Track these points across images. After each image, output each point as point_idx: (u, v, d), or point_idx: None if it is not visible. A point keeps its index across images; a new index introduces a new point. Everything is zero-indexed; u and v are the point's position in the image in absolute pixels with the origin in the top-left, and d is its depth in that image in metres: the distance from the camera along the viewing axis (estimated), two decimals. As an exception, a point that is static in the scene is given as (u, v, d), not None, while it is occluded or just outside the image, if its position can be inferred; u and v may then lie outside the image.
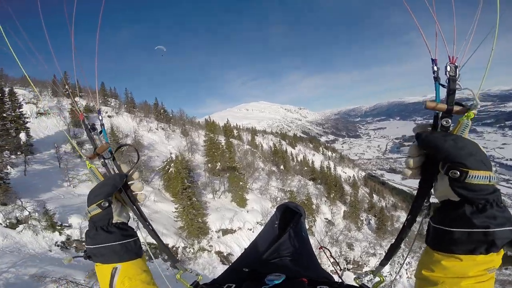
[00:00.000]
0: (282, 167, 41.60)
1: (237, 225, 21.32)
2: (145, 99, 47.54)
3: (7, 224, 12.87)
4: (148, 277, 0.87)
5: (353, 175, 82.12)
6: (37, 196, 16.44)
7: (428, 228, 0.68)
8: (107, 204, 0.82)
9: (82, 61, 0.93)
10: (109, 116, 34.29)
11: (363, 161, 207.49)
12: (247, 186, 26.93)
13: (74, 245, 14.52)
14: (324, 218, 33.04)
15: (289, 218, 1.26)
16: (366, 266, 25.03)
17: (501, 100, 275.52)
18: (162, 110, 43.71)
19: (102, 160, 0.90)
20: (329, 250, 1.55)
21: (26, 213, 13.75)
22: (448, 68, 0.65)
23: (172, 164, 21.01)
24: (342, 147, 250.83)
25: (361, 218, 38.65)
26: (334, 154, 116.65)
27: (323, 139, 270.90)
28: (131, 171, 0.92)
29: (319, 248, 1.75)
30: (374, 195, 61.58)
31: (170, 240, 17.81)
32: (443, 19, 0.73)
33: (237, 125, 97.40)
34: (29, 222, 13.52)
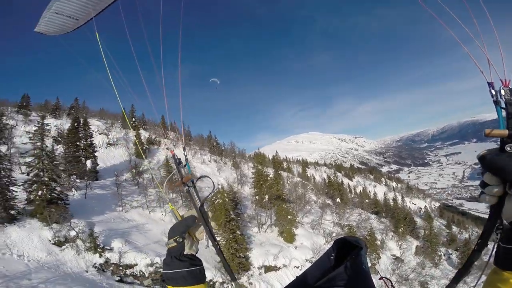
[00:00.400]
0: (338, 200, 36.59)
1: (282, 262, 19.20)
2: (201, 133, 50.87)
3: (55, 241, 13.51)
4: None
5: (425, 206, 73.56)
6: (90, 218, 17.27)
7: (497, 249, 0.68)
8: (181, 240, 1.03)
9: (145, 95, 1.26)
10: (167, 149, 37.45)
11: (436, 190, 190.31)
12: (297, 220, 24.04)
13: (111, 268, 14.14)
14: (391, 255, 28.30)
15: (348, 252, 1.09)
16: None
17: None
18: (215, 143, 46.11)
19: (186, 187, 1.14)
20: (390, 280, 1.37)
21: (73, 233, 14.31)
22: (503, 92, 0.64)
23: (219, 195, 20.11)
24: (409, 177, 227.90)
25: (439, 253, 33.12)
26: (399, 185, 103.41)
27: (384, 169, 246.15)
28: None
29: (380, 279, 1.53)
30: (454, 227, 54.87)
31: (208, 274, 16.05)
32: (491, 42, 0.74)
33: (286, 157, 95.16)
34: (75, 241, 13.91)
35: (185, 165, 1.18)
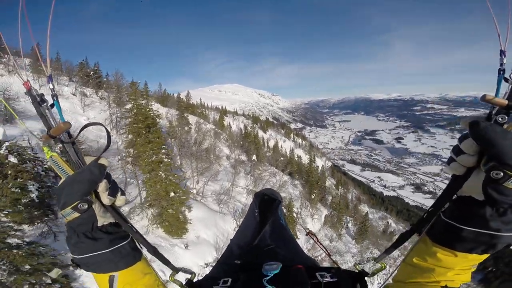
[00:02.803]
0: (254, 157, 30.47)
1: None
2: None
3: None
4: (151, 278, 0.77)
5: (322, 165, 77.56)
6: None
7: (436, 220, 0.67)
8: (86, 206, 0.63)
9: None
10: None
11: (327, 150, 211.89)
12: (192, 190, 15.34)
13: None
14: (305, 229, 23.92)
15: (268, 206, 1.20)
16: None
17: (456, 105, 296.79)
18: (92, 72, 30.33)
19: (60, 145, 0.65)
20: (315, 235, 1.41)
21: None
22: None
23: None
24: (309, 135, 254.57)
25: (343, 223, 32.00)
26: (304, 142, 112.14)
27: (292, 126, 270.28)
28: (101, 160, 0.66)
29: (306, 234, 1.60)
30: (340, 188, 57.20)
31: None
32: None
33: (204, 102, 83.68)
34: None
35: (52, 105, 0.65)
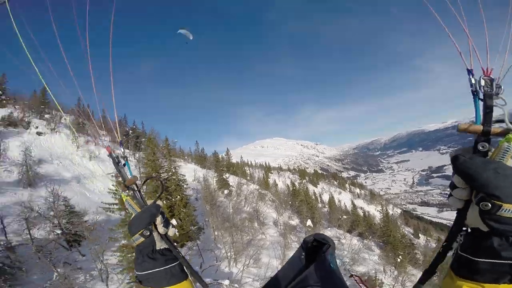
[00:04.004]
0: (309, 222, 25.07)
1: None
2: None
3: None
4: None
5: (391, 213, 67.68)
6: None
7: (455, 253, 0.66)
8: (148, 233, 0.88)
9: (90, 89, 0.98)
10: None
11: (390, 196, 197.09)
12: (228, 270, 11.54)
13: None
14: (351, 274, 16.18)
15: (317, 250, 1.11)
16: None
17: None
18: (131, 131, 32.05)
19: (132, 192, 0.96)
20: (360, 278, 1.41)
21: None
22: (483, 83, 0.58)
23: None
24: (365, 182, 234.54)
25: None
26: (363, 191, 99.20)
27: (344, 175, 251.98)
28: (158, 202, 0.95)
29: (350, 277, 1.59)
30: (421, 235, 50.00)
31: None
32: (473, 25, 0.66)
33: (248, 161, 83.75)
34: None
35: (124, 165, 0.98)
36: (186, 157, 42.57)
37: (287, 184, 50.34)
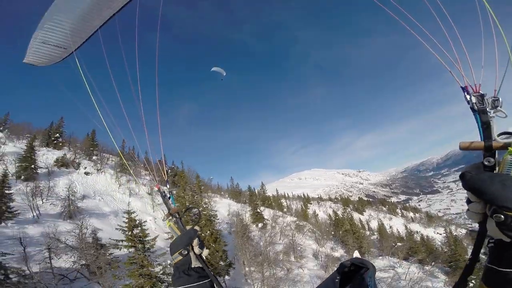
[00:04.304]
0: (356, 253, 23.16)
1: None
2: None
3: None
4: None
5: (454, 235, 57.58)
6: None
7: (484, 265, 0.67)
8: (186, 252, 1.04)
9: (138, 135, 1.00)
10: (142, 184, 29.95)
11: (451, 216, 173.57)
12: None
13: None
14: None
15: (354, 274, 1.05)
16: None
17: None
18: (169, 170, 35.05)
19: (174, 219, 1.18)
20: None
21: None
22: (474, 100, 0.58)
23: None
24: (419, 205, 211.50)
25: None
26: (417, 215, 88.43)
27: (393, 200, 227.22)
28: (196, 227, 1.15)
29: None
30: None
31: None
32: (459, 44, 0.70)
33: (285, 193, 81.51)
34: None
35: (169, 198, 1.26)
36: (222, 192, 43.77)
37: (329, 214, 47.33)
